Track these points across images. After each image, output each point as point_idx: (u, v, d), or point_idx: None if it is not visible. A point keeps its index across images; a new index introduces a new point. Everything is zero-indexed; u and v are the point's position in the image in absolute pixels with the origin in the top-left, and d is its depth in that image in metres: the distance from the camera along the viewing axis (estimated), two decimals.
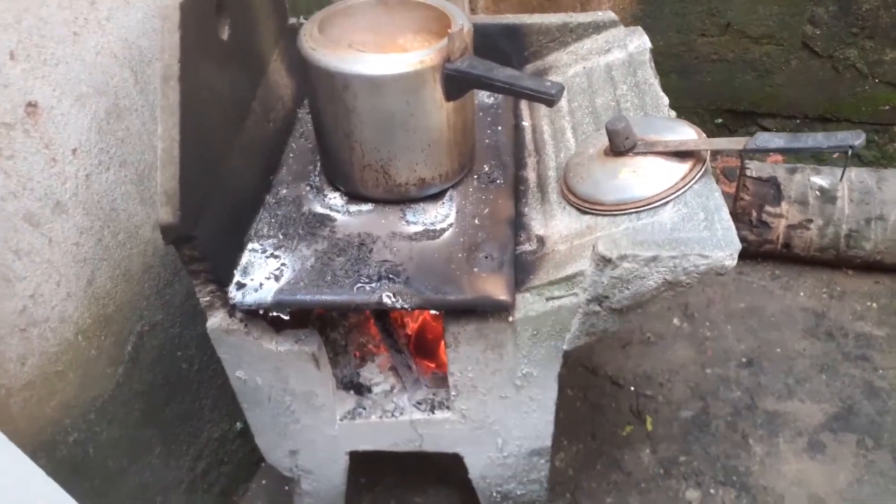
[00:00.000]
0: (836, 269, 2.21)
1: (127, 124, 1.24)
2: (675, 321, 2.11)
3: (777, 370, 1.96)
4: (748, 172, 2.15)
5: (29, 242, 1.08)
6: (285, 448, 1.38)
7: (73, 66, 1.11)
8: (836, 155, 2.52)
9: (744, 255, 2.39)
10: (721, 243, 1.02)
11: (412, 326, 1.46)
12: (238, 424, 1.67)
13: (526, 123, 1.45)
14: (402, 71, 1.07)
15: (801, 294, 2.16)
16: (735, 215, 2.15)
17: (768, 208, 2.12)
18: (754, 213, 2.14)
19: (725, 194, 2.36)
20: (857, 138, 0.98)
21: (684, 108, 2.61)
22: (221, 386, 1.58)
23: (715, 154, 2.57)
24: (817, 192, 2.10)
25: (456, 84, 1.11)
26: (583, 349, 2.01)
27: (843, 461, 1.75)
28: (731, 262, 1.01)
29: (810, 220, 2.10)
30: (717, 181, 2.33)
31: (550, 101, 1.05)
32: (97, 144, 1.18)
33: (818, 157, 2.53)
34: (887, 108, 2.42)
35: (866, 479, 1.71)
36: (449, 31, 1.08)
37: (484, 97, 1.47)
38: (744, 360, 1.99)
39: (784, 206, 2.11)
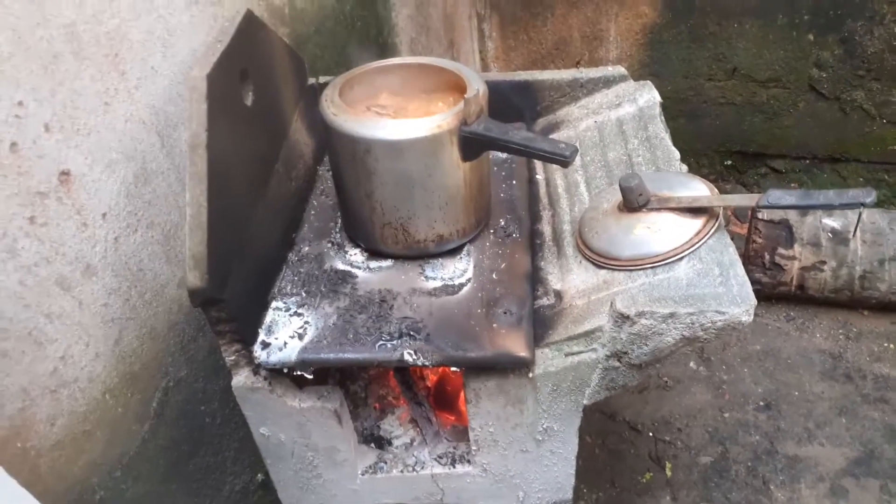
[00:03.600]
0: (851, 309, 2.21)
1: (154, 187, 1.28)
2: (692, 365, 2.11)
3: (796, 413, 1.95)
4: (760, 215, 2.17)
5: (60, 306, 1.11)
6: (308, 503, 1.39)
7: (103, 135, 1.15)
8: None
9: (758, 298, 2.37)
10: (737, 299, 1.04)
11: (432, 379, 1.48)
12: (259, 476, 1.68)
13: (540, 177, 1.48)
14: (421, 135, 1.10)
15: (818, 335, 2.16)
16: (748, 258, 2.16)
17: (781, 251, 2.13)
18: (767, 256, 2.15)
19: (738, 236, 2.38)
20: (868, 196, 1.00)
21: (694, 151, 2.64)
22: (243, 438, 1.59)
23: None
24: (829, 234, 2.11)
25: (472, 146, 1.14)
26: None
27: None
28: (748, 318, 1.03)
29: (823, 262, 2.11)
30: (729, 223, 2.34)
31: (565, 163, 1.08)
32: (126, 208, 1.22)
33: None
34: None
35: None
36: (465, 95, 1.12)
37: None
38: (762, 403, 1.99)
39: (797, 248, 2.12)
